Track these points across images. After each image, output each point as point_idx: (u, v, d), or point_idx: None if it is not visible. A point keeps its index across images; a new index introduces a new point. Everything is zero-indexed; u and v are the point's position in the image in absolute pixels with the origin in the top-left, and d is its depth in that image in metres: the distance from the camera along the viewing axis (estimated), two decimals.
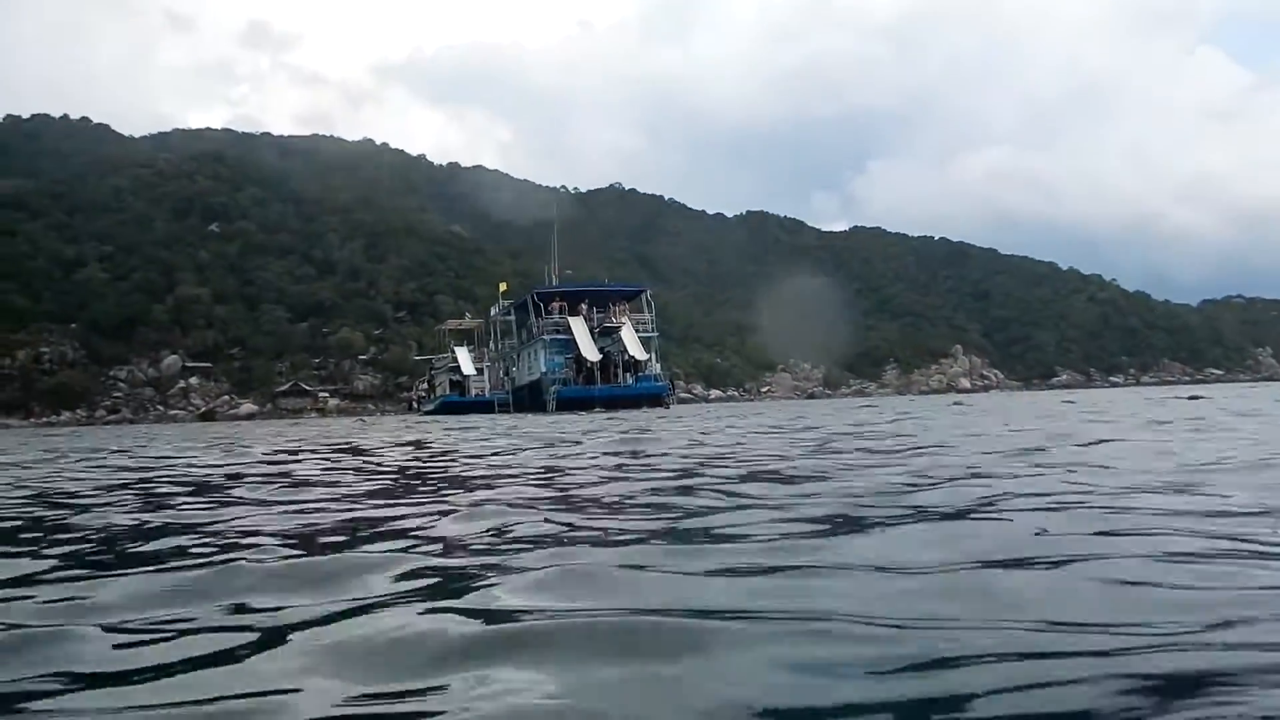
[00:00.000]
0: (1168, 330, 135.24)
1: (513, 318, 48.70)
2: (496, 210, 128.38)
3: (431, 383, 60.50)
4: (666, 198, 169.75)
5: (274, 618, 2.05)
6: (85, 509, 4.57)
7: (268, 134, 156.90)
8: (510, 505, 4.06)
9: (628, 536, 3.09)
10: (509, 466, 6.75)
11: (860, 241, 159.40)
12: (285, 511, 4.18)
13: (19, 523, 4.18)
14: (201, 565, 2.71)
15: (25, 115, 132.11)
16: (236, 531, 3.54)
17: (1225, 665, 1.51)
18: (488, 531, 3.26)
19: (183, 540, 3.37)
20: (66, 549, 3.26)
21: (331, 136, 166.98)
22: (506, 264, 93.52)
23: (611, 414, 25.88)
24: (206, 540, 3.31)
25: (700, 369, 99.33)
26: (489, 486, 5.26)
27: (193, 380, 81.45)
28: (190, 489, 5.70)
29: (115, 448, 13.18)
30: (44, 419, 70.10)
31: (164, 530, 3.68)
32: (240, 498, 4.97)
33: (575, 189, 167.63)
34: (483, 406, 46.59)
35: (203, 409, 77.37)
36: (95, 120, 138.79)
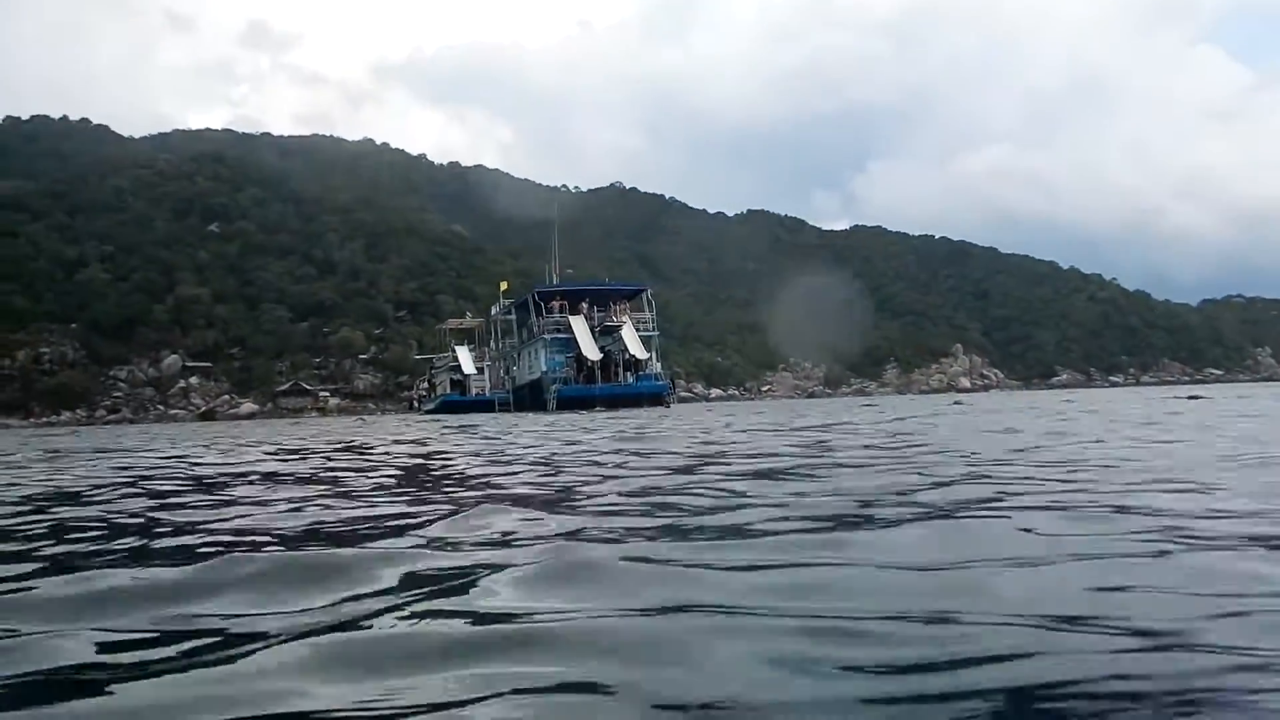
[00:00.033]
0: (1168, 330, 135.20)
1: (513, 317, 48.73)
2: (497, 210, 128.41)
3: (432, 382, 60.51)
4: (667, 197, 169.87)
5: (273, 616, 2.05)
6: (81, 507, 4.57)
7: (268, 134, 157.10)
8: (510, 503, 4.06)
9: (628, 534, 3.09)
10: (509, 465, 6.75)
11: (861, 240, 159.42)
12: (285, 510, 4.18)
13: (18, 522, 4.18)
14: (201, 561, 2.71)
15: (25, 116, 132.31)
16: (236, 530, 3.54)
17: (1226, 664, 1.52)
18: (488, 529, 3.26)
19: (185, 539, 3.37)
20: (55, 548, 3.26)
21: (331, 136, 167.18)
22: (507, 263, 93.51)
23: (612, 413, 25.88)
24: (207, 539, 3.31)
25: (701, 368, 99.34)
26: (489, 485, 5.26)
27: (193, 380, 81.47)
28: (190, 488, 5.70)
29: (114, 447, 13.18)
30: (44, 419, 70.10)
31: (164, 530, 3.68)
32: (241, 496, 4.97)
33: (576, 188, 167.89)
34: (483, 406, 46.60)
35: (203, 409, 77.37)
36: (95, 121, 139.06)
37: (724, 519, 3.37)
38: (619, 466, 6.19)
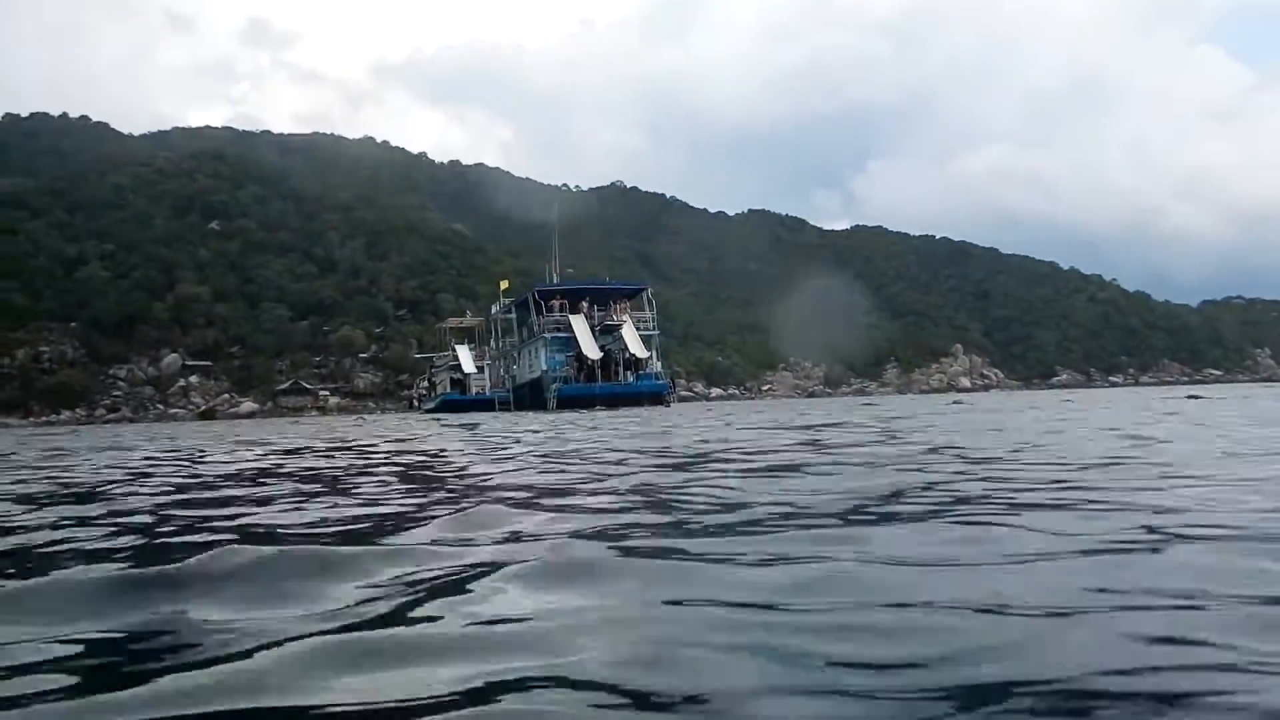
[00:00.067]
0: (1168, 330, 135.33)
1: (514, 316, 48.76)
2: (497, 208, 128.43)
3: (432, 381, 60.55)
4: (668, 196, 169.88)
5: (272, 614, 2.04)
6: (82, 505, 4.57)
7: (268, 132, 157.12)
8: (510, 502, 4.06)
9: (629, 532, 3.08)
10: (509, 463, 6.75)
11: (862, 240, 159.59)
12: (286, 509, 4.18)
13: (18, 522, 4.18)
14: (201, 558, 2.71)
15: (24, 114, 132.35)
16: (237, 528, 3.54)
17: (1227, 662, 1.52)
18: (488, 527, 3.26)
19: (185, 537, 3.37)
20: (55, 548, 3.26)
21: (332, 135, 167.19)
22: (507, 262, 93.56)
23: (612, 412, 25.89)
24: (207, 538, 3.30)
25: (701, 367, 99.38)
26: (489, 483, 5.25)
27: (193, 379, 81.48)
28: (191, 485, 5.70)
29: (114, 445, 13.18)
30: (43, 418, 70.12)
31: (164, 530, 3.68)
32: (241, 495, 4.97)
33: (576, 187, 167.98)
34: (483, 405, 46.64)
35: (203, 408, 77.39)
36: (95, 119, 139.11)
37: (724, 517, 3.37)
38: (619, 465, 6.19)
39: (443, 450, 9.14)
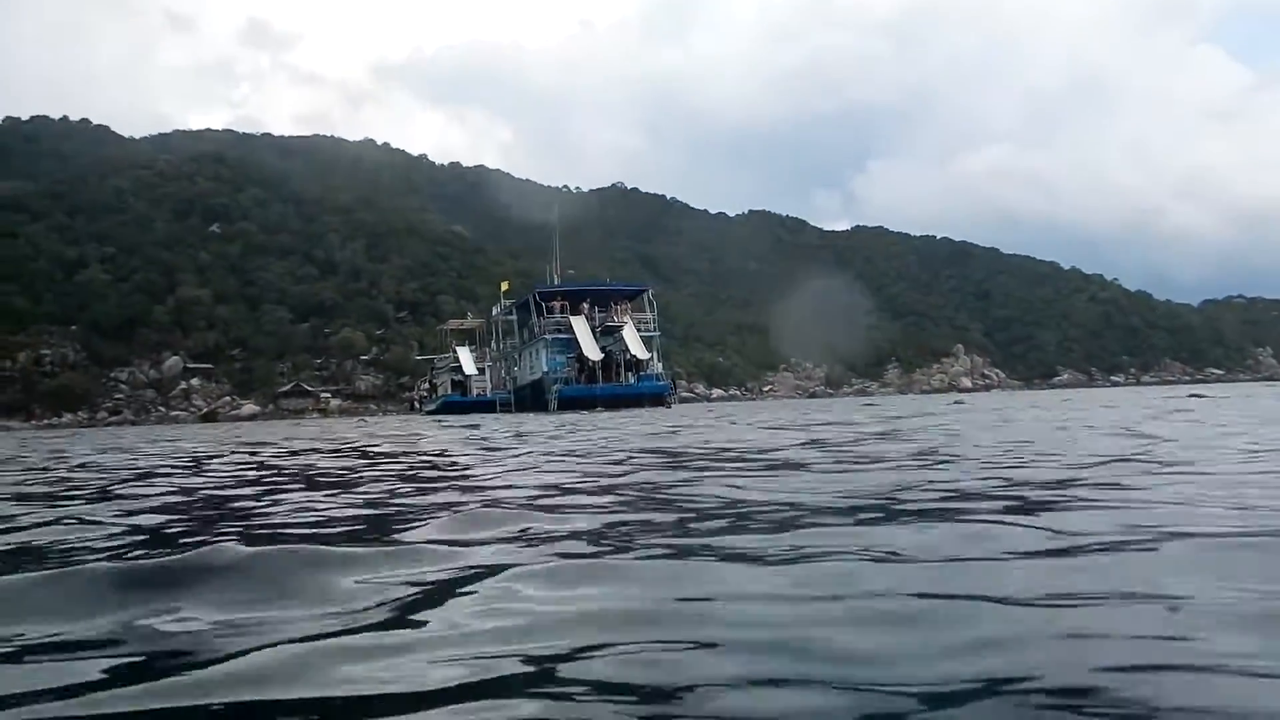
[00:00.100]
0: (1169, 330, 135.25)
1: (514, 317, 48.77)
2: (498, 210, 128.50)
3: (433, 383, 60.55)
4: (668, 197, 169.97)
5: (273, 614, 2.04)
6: (82, 504, 4.57)
7: (268, 134, 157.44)
8: (512, 503, 4.06)
9: (630, 532, 3.08)
10: (511, 465, 6.75)
11: (862, 240, 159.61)
12: (286, 509, 4.18)
13: (18, 522, 4.18)
14: (200, 556, 2.70)
15: (25, 117, 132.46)
16: (237, 529, 3.54)
17: (1226, 660, 1.51)
18: (489, 528, 3.25)
19: (185, 536, 3.37)
20: (54, 548, 3.26)
21: (332, 137, 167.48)
22: (508, 264, 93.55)
23: (613, 413, 25.89)
24: (208, 538, 3.30)
25: (702, 368, 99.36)
26: (491, 484, 5.25)
27: (194, 381, 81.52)
28: (193, 485, 5.70)
29: (116, 447, 13.18)
30: (45, 421, 70.15)
31: (165, 529, 3.68)
32: (243, 495, 4.97)
33: (577, 188, 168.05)
34: (484, 406, 46.63)
35: (204, 410, 77.43)
36: (95, 121, 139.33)
37: (728, 516, 3.37)
38: (620, 465, 6.19)
39: (444, 451, 9.14)
